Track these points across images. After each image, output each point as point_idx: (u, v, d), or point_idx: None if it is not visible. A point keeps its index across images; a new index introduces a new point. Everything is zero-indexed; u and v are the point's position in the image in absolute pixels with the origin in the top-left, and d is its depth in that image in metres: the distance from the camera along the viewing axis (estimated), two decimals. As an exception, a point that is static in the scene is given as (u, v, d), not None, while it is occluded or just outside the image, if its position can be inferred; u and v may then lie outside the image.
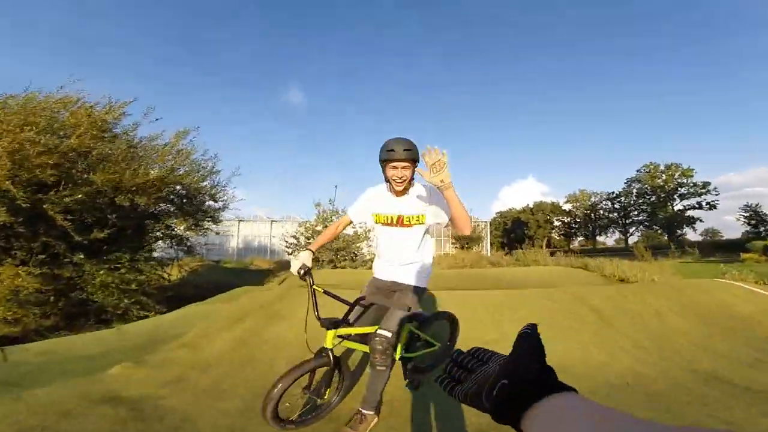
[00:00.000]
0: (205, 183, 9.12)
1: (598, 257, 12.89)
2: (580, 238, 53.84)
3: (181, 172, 8.34)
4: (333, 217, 14.66)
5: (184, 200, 8.69)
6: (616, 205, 49.71)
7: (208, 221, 9.53)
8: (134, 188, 6.60)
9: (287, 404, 1.99)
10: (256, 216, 24.13)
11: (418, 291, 2.25)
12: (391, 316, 2.06)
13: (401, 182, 2.10)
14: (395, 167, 2.06)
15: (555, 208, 51.71)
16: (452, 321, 2.75)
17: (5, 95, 6.96)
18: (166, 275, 9.45)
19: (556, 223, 53.03)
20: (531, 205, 52.00)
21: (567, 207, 53.09)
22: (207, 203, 9.51)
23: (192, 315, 4.27)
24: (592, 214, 52.10)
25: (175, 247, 9.32)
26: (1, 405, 1.98)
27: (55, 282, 6.41)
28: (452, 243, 24.31)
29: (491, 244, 30.35)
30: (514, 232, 50.73)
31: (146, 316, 6.63)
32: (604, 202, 51.24)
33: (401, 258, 2.24)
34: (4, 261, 5.76)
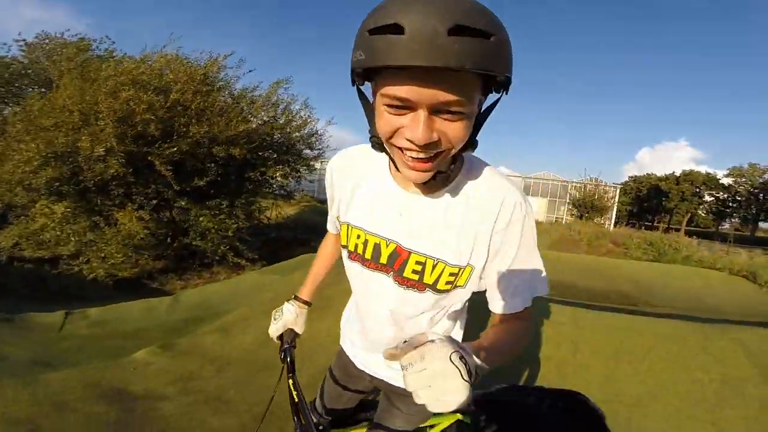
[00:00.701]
0: (300, 132, 9.39)
1: (754, 249, 9.81)
2: (734, 220, 43.48)
3: (278, 122, 8.64)
4: None
5: (282, 149, 9.01)
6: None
7: (304, 169, 9.90)
8: (230, 139, 6.86)
9: None
10: None
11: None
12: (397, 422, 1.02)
13: (424, 161, 0.61)
14: (405, 103, 0.56)
15: (710, 180, 42.17)
16: (575, 417, 1.13)
17: (123, 54, 7.77)
18: (264, 219, 10.28)
19: (707, 199, 43.61)
20: (677, 173, 43.36)
21: (726, 181, 42.73)
22: (304, 151, 9.85)
23: (245, 288, 4.23)
24: (761, 195, 41.20)
25: (274, 192, 9.96)
26: (8, 389, 1.98)
27: (165, 227, 7.22)
28: (569, 208, 21.45)
29: (617, 213, 26.08)
30: (649, 201, 43.42)
31: (239, 264, 7.15)
32: (781, 182, 39.72)
33: (393, 336, 0.90)
34: (126, 205, 6.57)
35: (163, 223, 7.25)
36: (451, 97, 0.54)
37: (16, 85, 9.44)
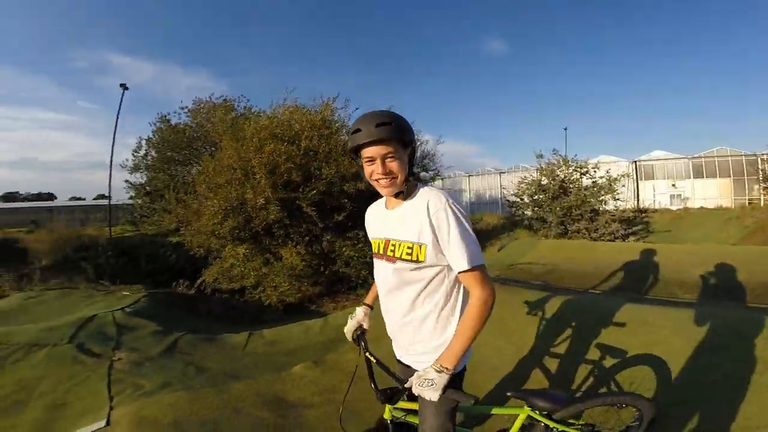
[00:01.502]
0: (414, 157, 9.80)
1: None
2: None
3: None
4: (558, 171, 12.43)
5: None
6: None
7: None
8: (354, 175, 7.64)
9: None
10: (485, 168, 23.81)
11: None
12: (426, 412, 1.35)
13: (387, 181, 1.26)
14: (371, 158, 1.25)
15: None
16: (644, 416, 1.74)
17: (258, 110, 9.33)
18: None
19: None
20: None
21: None
22: (420, 174, 10.18)
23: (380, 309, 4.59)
24: None
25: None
26: (207, 395, 2.64)
27: (318, 258, 8.36)
28: (763, 185, 16.59)
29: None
30: None
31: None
32: None
33: (398, 311, 1.40)
34: (287, 243, 7.89)
35: (315, 255, 8.40)
36: (387, 150, 1.24)
37: (194, 147, 11.44)
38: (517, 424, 1.60)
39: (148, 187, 13.12)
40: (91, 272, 9.07)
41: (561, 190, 12.19)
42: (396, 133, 1.22)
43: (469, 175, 24.10)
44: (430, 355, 1.31)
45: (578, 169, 12.28)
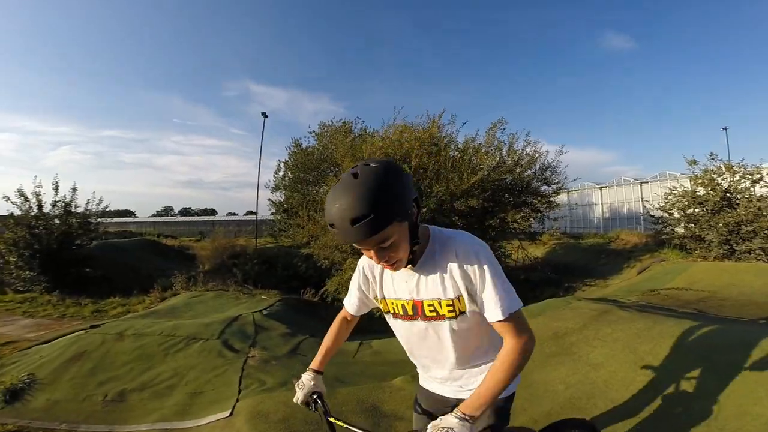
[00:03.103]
0: (532, 170, 9.22)
1: None
2: None
3: (505, 165, 8.85)
4: (719, 180, 10.16)
5: (516, 191, 9.09)
6: None
7: (544, 206, 9.53)
8: (465, 192, 7.65)
9: None
10: (621, 178, 20.30)
11: (498, 409, 1.28)
12: None
13: (390, 266, 1.09)
14: (365, 250, 1.07)
15: None
16: None
17: (372, 131, 9.79)
18: (512, 262, 10.40)
19: None
20: None
21: None
22: (541, 188, 9.55)
23: None
24: None
25: (518, 236, 9.97)
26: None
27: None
28: None
29: None
30: None
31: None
32: None
33: (445, 365, 1.29)
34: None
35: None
36: (377, 242, 0.99)
37: (321, 168, 12.46)
38: None
39: (285, 205, 14.96)
40: (240, 277, 10.91)
41: (724, 202, 10.00)
42: (381, 226, 0.94)
43: (601, 187, 21.17)
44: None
45: (748, 176, 10.01)
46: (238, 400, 3.07)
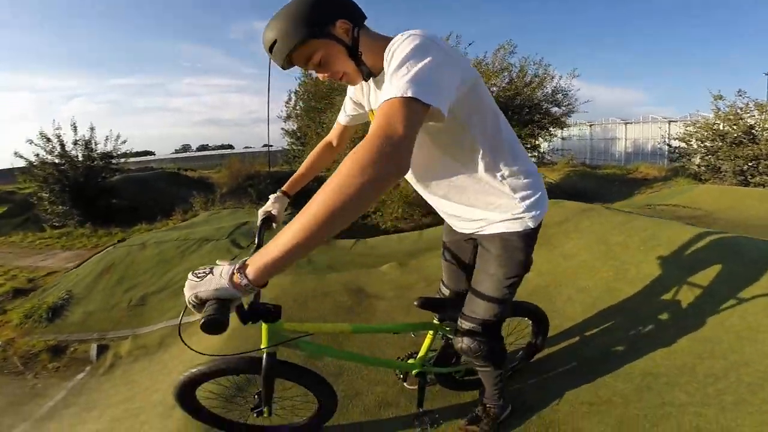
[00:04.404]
0: (542, 91, 9.00)
1: None
2: None
3: (514, 85, 8.64)
4: (744, 115, 9.69)
5: (525, 111, 8.93)
6: None
7: (553, 127, 9.40)
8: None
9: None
10: (648, 117, 19.25)
11: (505, 242, 1.20)
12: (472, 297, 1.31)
13: (341, 80, 1.06)
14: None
15: None
16: (538, 320, 1.80)
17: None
18: None
19: None
20: None
21: None
22: (552, 110, 9.37)
23: None
24: None
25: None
26: (307, 281, 3.31)
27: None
28: None
29: None
30: None
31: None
32: None
33: (429, 183, 1.21)
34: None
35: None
36: (300, 63, 1.02)
37: (331, 96, 12.15)
38: (426, 342, 1.52)
39: (298, 133, 15.48)
40: (254, 195, 11.55)
41: (747, 137, 9.68)
42: (287, 48, 0.96)
43: (626, 123, 20.21)
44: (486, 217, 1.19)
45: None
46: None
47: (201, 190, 12.06)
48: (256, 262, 0.71)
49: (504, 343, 1.38)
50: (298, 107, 15.29)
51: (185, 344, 0.95)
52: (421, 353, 1.53)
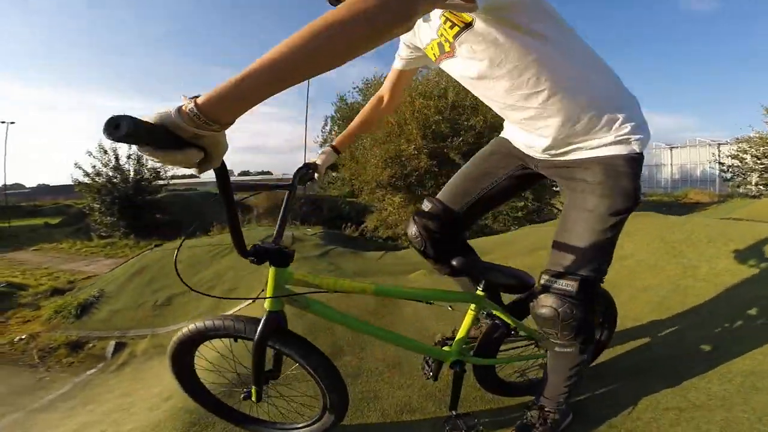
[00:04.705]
0: None
1: None
2: None
3: None
4: None
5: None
6: None
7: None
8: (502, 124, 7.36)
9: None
10: (695, 140, 18.12)
11: (608, 167, 0.96)
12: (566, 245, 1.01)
13: None
14: None
15: None
16: (604, 307, 1.48)
17: (415, 79, 9.54)
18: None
19: None
20: None
21: None
22: None
23: (509, 238, 4.38)
24: None
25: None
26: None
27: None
28: None
29: None
30: None
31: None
32: None
33: (514, 108, 0.99)
34: (436, 192, 8.27)
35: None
36: None
37: None
38: (467, 320, 1.17)
39: None
40: (290, 217, 11.71)
41: None
42: None
43: (672, 147, 19.11)
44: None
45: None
46: (263, 290, 3.35)
47: (240, 210, 12.43)
48: (212, 90, 0.53)
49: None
50: (333, 131, 15.50)
51: (182, 282, 0.93)
52: (459, 334, 1.18)
